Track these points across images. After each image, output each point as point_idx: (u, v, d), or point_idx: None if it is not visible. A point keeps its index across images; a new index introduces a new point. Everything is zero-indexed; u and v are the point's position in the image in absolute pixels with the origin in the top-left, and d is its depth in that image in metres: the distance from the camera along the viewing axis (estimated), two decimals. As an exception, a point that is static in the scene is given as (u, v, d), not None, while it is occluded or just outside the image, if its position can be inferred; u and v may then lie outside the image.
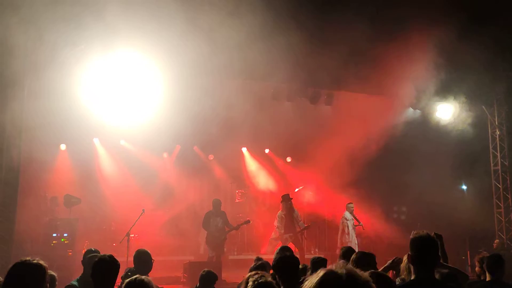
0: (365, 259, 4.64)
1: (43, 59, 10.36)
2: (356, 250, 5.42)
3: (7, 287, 3.29)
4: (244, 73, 11.73)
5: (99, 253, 5.11)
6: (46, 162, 12.84)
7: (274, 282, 3.74)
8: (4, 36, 8.63)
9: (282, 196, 12.55)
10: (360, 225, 12.78)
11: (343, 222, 12.72)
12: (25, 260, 3.34)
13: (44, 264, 3.36)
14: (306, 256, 11.68)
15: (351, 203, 12.86)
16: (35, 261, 3.34)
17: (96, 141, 14.48)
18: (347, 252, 5.27)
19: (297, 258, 4.69)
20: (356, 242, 12.51)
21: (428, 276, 3.44)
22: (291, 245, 11.18)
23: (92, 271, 4.09)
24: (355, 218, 12.77)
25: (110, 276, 4.09)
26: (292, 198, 12.54)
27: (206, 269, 5.99)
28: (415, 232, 3.54)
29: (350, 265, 1.67)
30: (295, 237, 12.00)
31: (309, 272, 5.25)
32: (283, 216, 12.17)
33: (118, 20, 8.98)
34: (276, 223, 12.32)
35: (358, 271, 1.65)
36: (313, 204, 14.83)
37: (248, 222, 12.28)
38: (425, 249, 3.43)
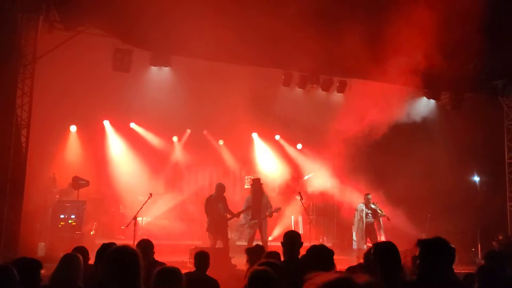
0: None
1: (54, 40, 10.31)
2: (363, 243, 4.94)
3: (108, 271, 3.05)
4: (255, 58, 11.54)
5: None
6: (55, 143, 12.88)
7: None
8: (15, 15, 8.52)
9: (253, 180, 12.26)
10: (383, 215, 12.35)
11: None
12: (124, 246, 3.16)
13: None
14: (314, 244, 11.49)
15: (368, 194, 12.57)
16: (132, 248, 3.15)
17: (106, 123, 14.43)
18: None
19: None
20: (363, 235, 12.26)
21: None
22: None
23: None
24: (376, 208, 12.38)
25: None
26: (262, 184, 11.95)
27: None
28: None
29: None
30: (260, 224, 11.42)
31: None
32: (250, 200, 11.62)
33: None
34: (243, 207, 11.69)
35: None
36: (322, 192, 14.68)
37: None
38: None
